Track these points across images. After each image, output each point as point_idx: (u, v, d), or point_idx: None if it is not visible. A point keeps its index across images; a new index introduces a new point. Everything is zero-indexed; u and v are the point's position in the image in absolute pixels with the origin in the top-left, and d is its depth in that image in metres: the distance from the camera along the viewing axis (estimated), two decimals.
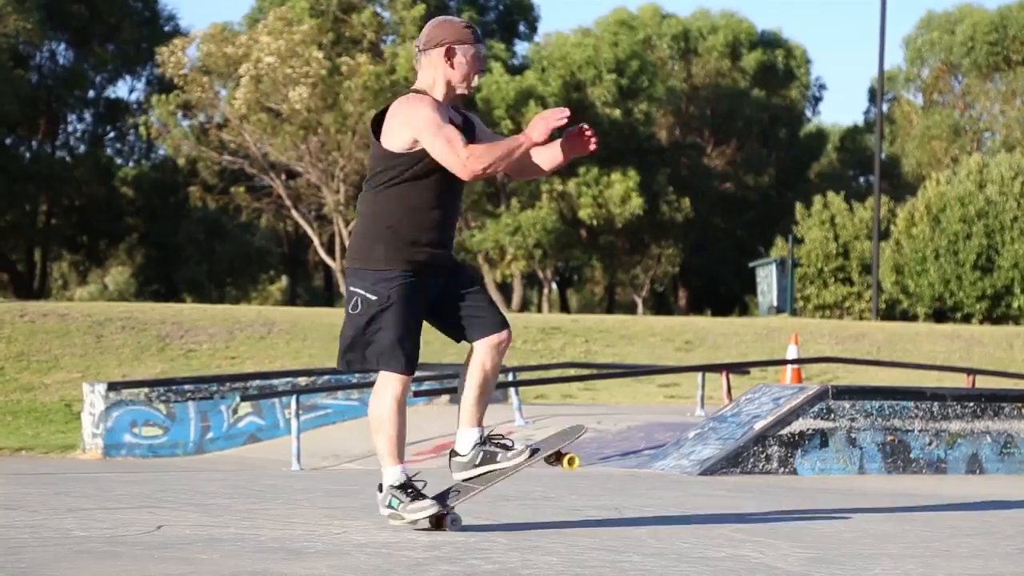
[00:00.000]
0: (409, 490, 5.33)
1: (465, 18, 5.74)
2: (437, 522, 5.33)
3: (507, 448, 5.47)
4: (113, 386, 16.44)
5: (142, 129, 43.80)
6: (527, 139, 5.27)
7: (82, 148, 48.70)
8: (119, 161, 50.21)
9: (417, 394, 15.82)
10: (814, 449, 9.32)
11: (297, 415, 14.11)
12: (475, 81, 5.38)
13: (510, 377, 16.17)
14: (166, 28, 48.28)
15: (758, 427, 9.22)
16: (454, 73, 5.34)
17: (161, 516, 5.77)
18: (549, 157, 5.48)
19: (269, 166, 42.14)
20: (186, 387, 16.72)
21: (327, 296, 52.45)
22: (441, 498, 5.41)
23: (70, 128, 48.97)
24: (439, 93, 5.36)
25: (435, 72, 5.36)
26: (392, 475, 5.38)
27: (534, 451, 5.50)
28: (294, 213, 43.40)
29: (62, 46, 47.14)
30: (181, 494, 6.87)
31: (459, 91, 5.37)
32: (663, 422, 14.14)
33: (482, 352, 5.47)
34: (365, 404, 17.13)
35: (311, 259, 53.65)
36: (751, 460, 9.13)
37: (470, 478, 5.47)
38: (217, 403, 16.63)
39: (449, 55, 5.34)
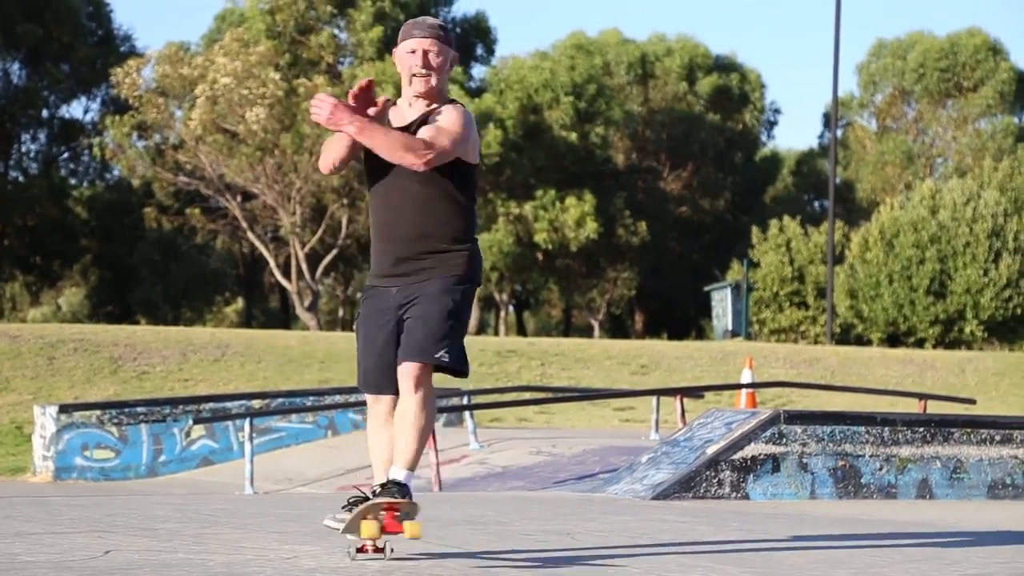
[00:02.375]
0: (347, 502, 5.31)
1: (419, 18, 5.46)
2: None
3: (355, 504, 5.19)
4: (64, 408, 16.31)
5: (96, 150, 43.53)
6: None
7: (35, 168, 48.35)
8: (73, 181, 49.88)
9: None
10: (766, 474, 9.36)
11: (251, 438, 14.05)
12: (407, 76, 5.25)
13: (465, 400, 16.16)
14: (121, 48, 48.06)
15: (710, 452, 9.25)
16: (400, 72, 5.36)
17: (110, 541, 5.73)
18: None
19: (225, 187, 41.98)
20: (139, 409, 16.61)
21: (283, 318, 52.23)
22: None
23: (23, 148, 48.61)
24: (404, 94, 5.36)
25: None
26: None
27: (340, 523, 5.23)
28: (250, 235, 43.23)
29: (16, 65, 46.82)
30: (131, 518, 6.82)
31: (410, 88, 5.31)
32: (618, 446, 14.17)
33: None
34: (319, 427, 17.13)
35: (267, 281, 53.45)
36: (703, 485, 9.16)
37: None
38: (170, 426, 16.53)
39: (394, 56, 5.41)
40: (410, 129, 5.24)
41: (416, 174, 5.18)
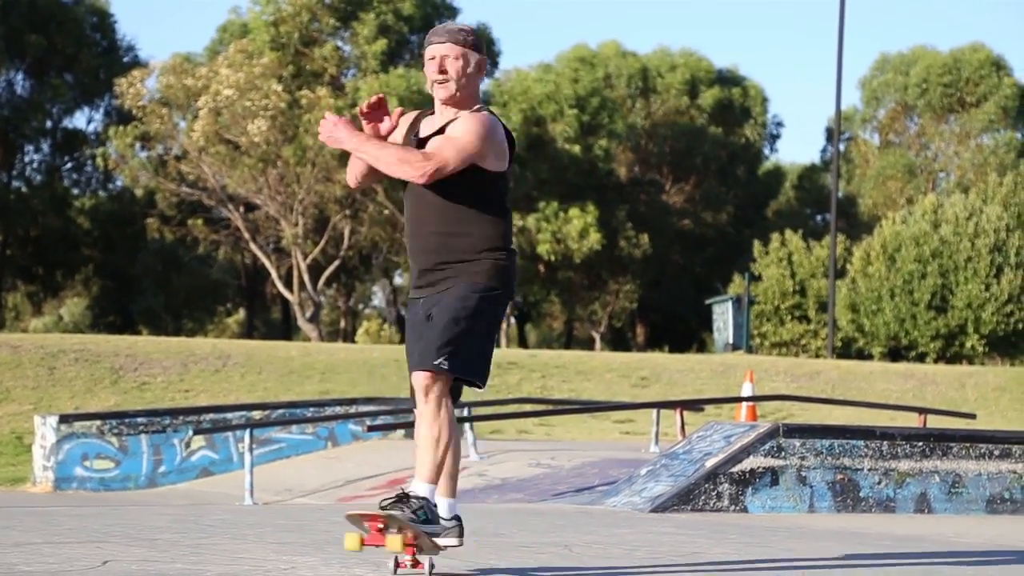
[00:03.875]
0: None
1: (441, 25, 5.40)
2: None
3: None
4: (65, 418, 16.32)
5: (99, 160, 43.59)
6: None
7: (39, 178, 48.41)
8: (76, 192, 49.95)
9: (371, 428, 15.79)
10: (764, 487, 9.36)
11: (251, 449, 14.05)
12: (430, 84, 5.26)
13: (465, 412, 16.16)
14: (125, 59, 48.15)
15: (709, 464, 9.26)
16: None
17: (107, 551, 5.73)
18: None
19: (227, 198, 42.03)
20: (139, 420, 16.63)
21: (285, 329, 52.24)
22: None
23: (27, 158, 48.69)
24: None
25: None
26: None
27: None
28: (252, 245, 43.27)
29: (19, 75, 46.91)
30: (129, 529, 6.83)
31: (434, 96, 5.31)
32: (617, 458, 14.16)
33: None
34: (319, 438, 17.14)
35: (269, 292, 53.47)
36: (702, 497, 9.16)
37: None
38: (170, 436, 16.53)
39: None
40: (427, 139, 5.22)
41: (435, 183, 5.13)
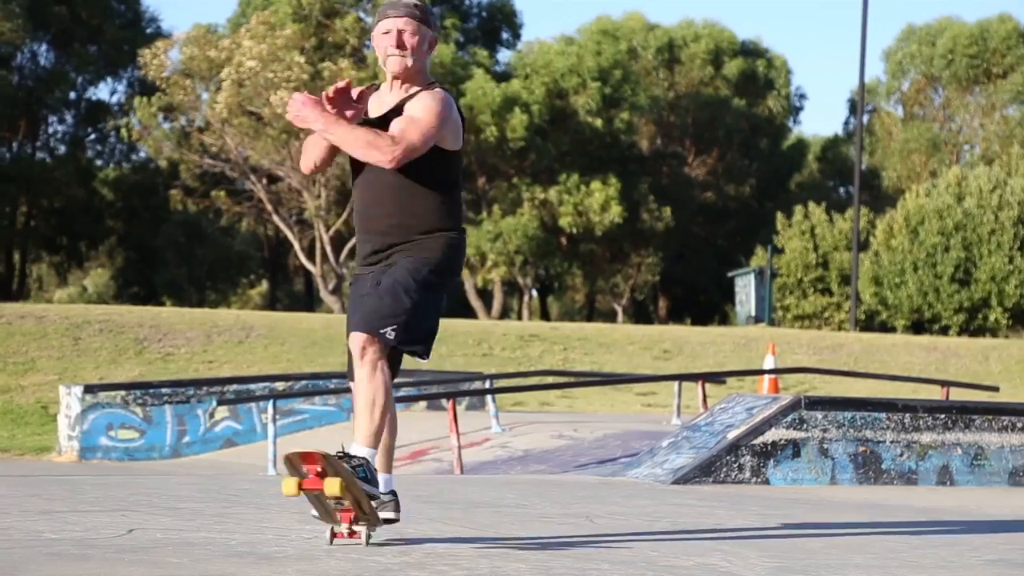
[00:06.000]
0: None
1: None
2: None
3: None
4: (90, 389, 16.44)
5: (123, 131, 43.70)
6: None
7: (63, 150, 48.58)
8: (100, 163, 50.11)
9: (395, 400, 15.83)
10: (786, 459, 9.37)
11: (274, 420, 14.13)
12: (383, 59, 5.15)
13: (487, 384, 16.21)
14: (148, 30, 48.21)
15: (731, 436, 9.27)
16: (378, 54, 5.24)
17: (133, 519, 5.79)
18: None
19: (250, 170, 42.11)
20: (163, 390, 16.74)
21: (308, 300, 52.40)
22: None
23: (51, 129, 48.87)
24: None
25: None
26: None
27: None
28: (275, 217, 43.36)
29: (44, 47, 47.03)
30: (154, 498, 6.89)
31: (386, 70, 5.21)
32: (639, 430, 14.20)
33: None
34: (343, 409, 17.22)
35: (292, 263, 53.61)
36: (724, 469, 9.18)
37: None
38: (194, 407, 16.64)
39: (372, 40, 5.30)
40: (388, 119, 5.12)
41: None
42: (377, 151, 5.01)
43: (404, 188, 5.11)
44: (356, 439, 5.02)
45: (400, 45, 5.13)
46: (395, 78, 5.18)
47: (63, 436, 16.40)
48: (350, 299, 5.24)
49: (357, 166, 5.21)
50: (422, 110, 5.06)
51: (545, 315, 54.37)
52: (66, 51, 46.71)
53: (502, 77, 44.54)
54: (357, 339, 4.99)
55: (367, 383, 4.98)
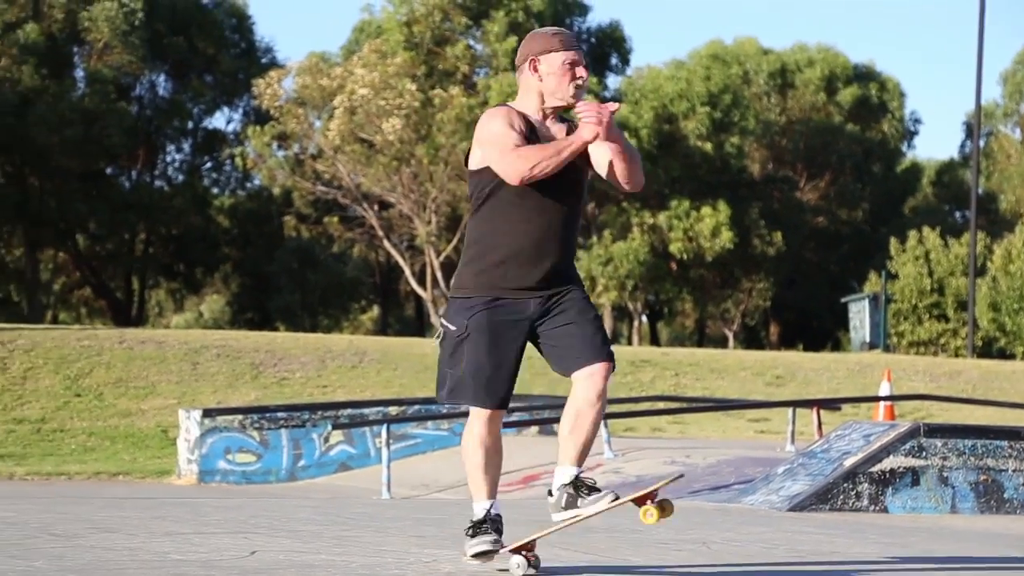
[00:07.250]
0: (479, 527, 5.24)
1: (557, 28, 5.38)
2: (485, 555, 5.19)
3: (591, 492, 5.25)
4: (208, 413, 16.70)
5: (238, 159, 44.44)
6: (579, 139, 5.14)
7: (180, 178, 49.53)
8: (215, 191, 51.00)
9: (505, 425, 15.88)
10: (905, 487, 9.24)
11: (388, 444, 14.23)
12: (570, 89, 5.21)
13: None
14: (263, 60, 49.02)
15: (848, 464, 9.17)
16: (544, 85, 5.22)
17: (255, 541, 5.89)
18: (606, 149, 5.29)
19: (362, 196, 42.57)
20: (279, 415, 16.94)
21: (418, 326, 52.75)
22: (497, 536, 5.23)
23: (168, 158, 49.85)
24: (530, 107, 5.25)
25: (526, 87, 5.28)
26: (474, 510, 5.28)
27: (616, 497, 5.25)
28: (386, 243, 43.77)
29: (162, 77, 48.05)
30: (274, 520, 6.99)
31: (555, 102, 5.23)
32: (752, 456, 14.07)
33: (576, 384, 5.16)
34: (455, 434, 17.28)
35: (403, 289, 54.03)
36: (841, 497, 9.07)
37: (557, 526, 5.27)
38: (309, 431, 16.82)
39: (534, 67, 5.25)
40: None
41: (577, 193, 5.24)
42: (641, 172, 5.31)
43: (577, 216, 5.32)
44: (565, 460, 5.24)
45: (583, 81, 5.28)
46: (567, 107, 5.29)
47: (183, 459, 16.68)
48: (491, 325, 5.14)
49: (541, 193, 5.15)
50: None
51: (655, 340, 54.14)
52: (183, 81, 47.67)
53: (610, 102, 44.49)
54: (605, 369, 5.15)
55: (601, 409, 5.19)
